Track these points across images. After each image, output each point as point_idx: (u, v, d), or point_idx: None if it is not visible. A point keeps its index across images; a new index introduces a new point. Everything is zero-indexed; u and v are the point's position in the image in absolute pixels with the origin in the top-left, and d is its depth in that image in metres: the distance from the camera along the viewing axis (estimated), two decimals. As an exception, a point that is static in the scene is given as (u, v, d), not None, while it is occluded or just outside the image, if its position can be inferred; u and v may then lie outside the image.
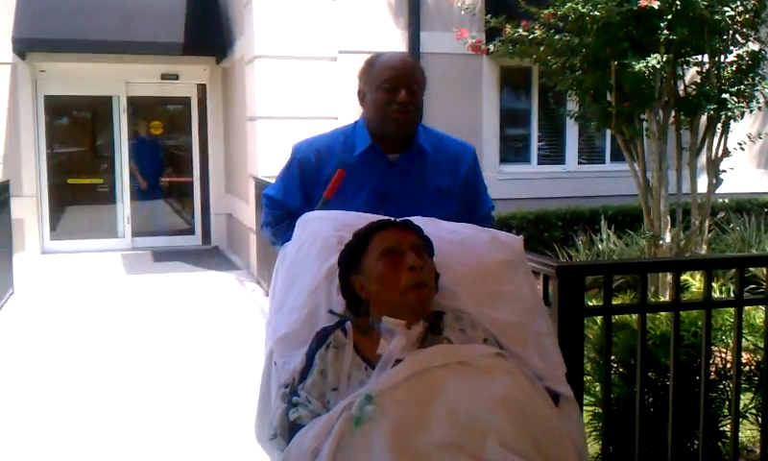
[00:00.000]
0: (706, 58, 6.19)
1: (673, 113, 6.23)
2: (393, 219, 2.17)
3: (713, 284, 5.38)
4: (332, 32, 8.43)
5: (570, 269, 2.67)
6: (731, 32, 5.99)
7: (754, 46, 6.15)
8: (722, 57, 6.10)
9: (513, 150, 9.86)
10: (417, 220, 2.27)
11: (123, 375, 5.38)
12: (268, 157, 8.16)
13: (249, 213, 8.90)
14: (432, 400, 1.82)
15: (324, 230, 2.34)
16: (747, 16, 6.04)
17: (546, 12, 6.16)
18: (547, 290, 2.64)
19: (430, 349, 1.96)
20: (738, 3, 5.89)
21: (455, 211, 2.62)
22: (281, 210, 2.73)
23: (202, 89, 11.33)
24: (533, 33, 6.25)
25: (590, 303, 2.83)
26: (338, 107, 8.48)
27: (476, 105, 9.36)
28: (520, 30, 6.32)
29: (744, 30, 6.08)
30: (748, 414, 3.61)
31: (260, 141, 8.26)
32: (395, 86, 2.49)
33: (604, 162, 9.93)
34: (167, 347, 6.04)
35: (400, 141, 2.58)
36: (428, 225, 2.28)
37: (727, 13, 5.77)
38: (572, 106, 7.02)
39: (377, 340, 1.99)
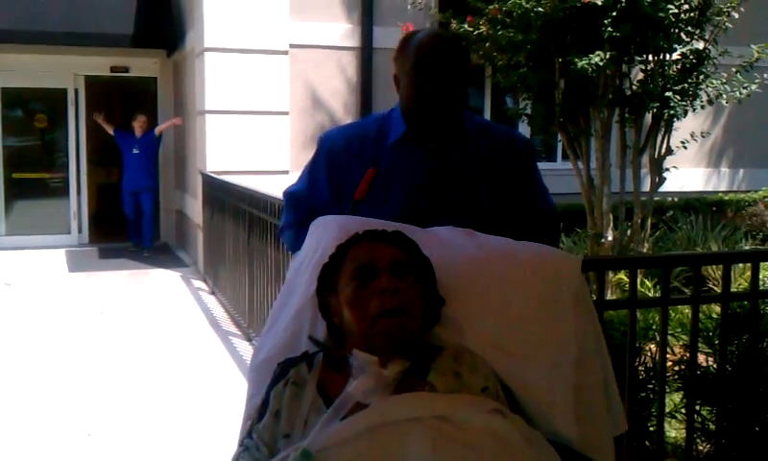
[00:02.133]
0: (650, 56, 6.18)
1: (618, 112, 6.22)
2: (382, 229, 1.80)
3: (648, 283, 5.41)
4: (283, 25, 8.32)
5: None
6: (675, 30, 5.98)
7: (698, 45, 6.15)
8: (666, 55, 6.10)
9: (466, 148, 9.80)
10: (445, 229, 1.97)
11: (45, 373, 5.24)
12: (216, 152, 8.04)
13: (197, 209, 8.77)
14: None
15: (326, 240, 1.95)
16: (692, 15, 6.04)
17: (492, 7, 6.11)
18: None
19: (401, 396, 1.56)
20: (683, 1, 5.89)
21: (503, 207, 2.26)
22: (306, 210, 2.29)
23: (152, 83, 11.15)
24: (478, 29, 6.20)
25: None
26: (289, 101, 8.39)
27: (429, 101, 9.28)
28: (466, 25, 6.27)
29: (689, 28, 6.08)
30: (677, 413, 3.59)
31: (209, 136, 8.11)
32: (426, 71, 2.14)
33: (555, 160, 9.94)
34: (95, 346, 5.89)
35: (440, 129, 2.23)
36: (457, 236, 1.94)
37: (671, 12, 5.76)
38: (522, 103, 6.98)
39: (348, 378, 1.63)
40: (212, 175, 7.73)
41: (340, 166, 2.26)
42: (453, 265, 1.85)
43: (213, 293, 7.62)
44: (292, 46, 8.40)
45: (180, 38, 9.98)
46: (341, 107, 8.83)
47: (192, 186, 9.37)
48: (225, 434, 4.24)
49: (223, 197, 7.06)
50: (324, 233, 1.99)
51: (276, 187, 6.71)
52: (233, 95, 8.12)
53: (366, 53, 8.86)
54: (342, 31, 8.80)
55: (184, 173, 10.35)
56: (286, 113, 8.31)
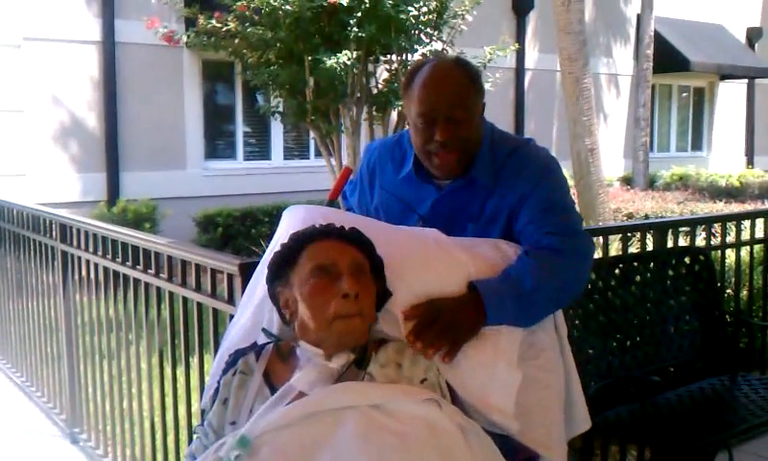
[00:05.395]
0: (394, 56, 6.44)
1: (366, 109, 6.42)
2: (340, 226, 1.77)
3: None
4: (15, 16, 7.72)
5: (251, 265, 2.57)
6: (416, 31, 6.28)
7: (437, 45, 6.50)
8: (408, 55, 6.38)
9: (218, 146, 9.68)
10: (415, 228, 1.98)
11: None
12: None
13: None
14: (316, 452, 1.48)
15: (293, 227, 1.86)
16: (430, 17, 6.37)
17: (240, 3, 6.06)
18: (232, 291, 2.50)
19: (337, 385, 1.60)
20: (422, 3, 6.19)
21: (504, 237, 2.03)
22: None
23: None
24: (227, 25, 6.12)
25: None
26: (24, 99, 7.81)
27: (178, 99, 9.05)
28: (213, 21, 6.17)
29: (428, 30, 6.40)
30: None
31: (-71, 137, 7.35)
32: (431, 119, 1.92)
33: (309, 158, 10.09)
34: None
35: (448, 176, 2.04)
36: (422, 234, 1.92)
37: (411, 13, 6.03)
38: (274, 101, 7.00)
39: (295, 369, 1.67)
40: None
41: (372, 177, 2.22)
42: (403, 261, 1.82)
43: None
44: (26, 39, 7.82)
45: None
46: (84, 104, 8.35)
47: None
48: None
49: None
50: (293, 221, 1.93)
51: (10, 192, 6.20)
52: (-42, 92, 7.43)
53: (108, 47, 8.46)
54: (81, 23, 8.32)
55: None
56: (21, 111, 7.72)
